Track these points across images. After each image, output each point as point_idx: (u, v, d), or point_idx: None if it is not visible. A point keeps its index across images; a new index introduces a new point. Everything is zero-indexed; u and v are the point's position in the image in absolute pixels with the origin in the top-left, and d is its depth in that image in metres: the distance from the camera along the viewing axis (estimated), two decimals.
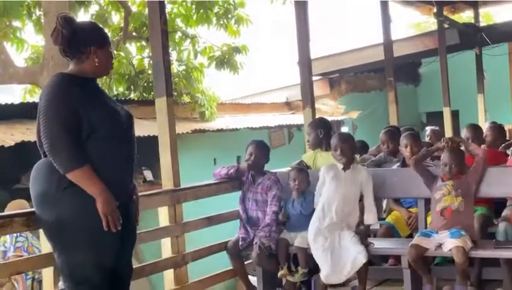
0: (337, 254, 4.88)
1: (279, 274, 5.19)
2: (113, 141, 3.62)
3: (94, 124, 3.54)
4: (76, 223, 3.51)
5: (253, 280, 5.64)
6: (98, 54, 3.68)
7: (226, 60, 11.75)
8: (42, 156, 3.65)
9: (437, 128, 8.30)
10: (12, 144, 8.04)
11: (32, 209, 3.71)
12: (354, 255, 4.77)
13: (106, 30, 3.90)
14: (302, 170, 5.45)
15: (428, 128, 8.05)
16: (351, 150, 5.17)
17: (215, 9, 11.71)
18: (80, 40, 3.64)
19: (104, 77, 10.35)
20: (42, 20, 9.00)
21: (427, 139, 7.55)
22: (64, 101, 3.51)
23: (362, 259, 4.76)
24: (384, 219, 5.82)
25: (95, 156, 3.53)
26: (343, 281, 4.96)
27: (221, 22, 11.79)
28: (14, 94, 11.94)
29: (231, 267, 5.67)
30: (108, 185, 3.55)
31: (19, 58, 10.43)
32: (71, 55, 3.68)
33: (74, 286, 3.59)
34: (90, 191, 3.48)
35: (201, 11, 11.53)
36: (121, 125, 3.71)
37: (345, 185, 5.08)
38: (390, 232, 5.54)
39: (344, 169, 5.12)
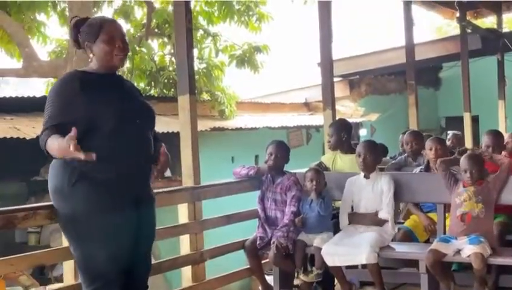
0: (353, 238, 5.01)
1: (295, 282, 5.23)
2: (117, 136, 3.58)
3: (93, 119, 3.55)
4: (88, 217, 3.55)
5: (269, 279, 5.65)
6: (93, 49, 3.71)
7: (246, 59, 11.76)
8: None
9: (459, 132, 8.27)
10: (34, 136, 8.11)
11: None
12: (364, 249, 4.82)
13: (127, 25, 3.92)
14: (319, 170, 5.47)
15: (450, 133, 8.02)
16: (375, 160, 5.29)
17: (237, 6, 11.73)
18: (82, 40, 3.74)
19: (126, 72, 10.45)
20: (67, 13, 9.06)
21: (448, 143, 7.52)
22: (58, 94, 3.60)
23: (370, 259, 4.80)
24: (401, 223, 5.82)
25: (99, 154, 3.45)
26: (339, 263, 5.02)
27: (243, 19, 11.81)
28: (33, 87, 12.02)
29: (248, 266, 5.69)
30: (115, 180, 3.57)
31: (43, 51, 10.53)
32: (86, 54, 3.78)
33: (89, 280, 3.62)
34: (57, 155, 3.49)
35: (224, 8, 11.56)
36: (128, 122, 3.65)
37: (367, 192, 5.23)
38: (409, 236, 5.53)
39: (365, 177, 5.25)
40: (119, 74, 3.99)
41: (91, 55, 3.72)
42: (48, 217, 3.81)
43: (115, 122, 3.59)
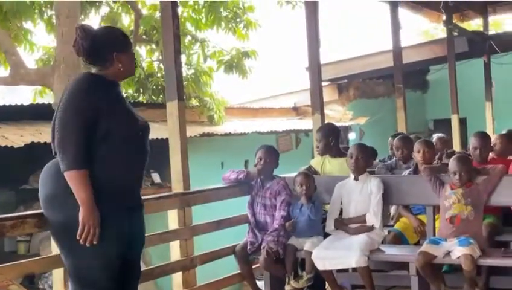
0: (343, 241, 5.02)
1: (286, 288, 5.23)
2: (127, 146, 3.64)
3: (111, 127, 3.57)
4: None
5: (260, 284, 5.65)
6: (121, 59, 3.74)
7: (235, 65, 11.77)
8: (54, 155, 3.69)
9: (444, 135, 8.28)
10: (22, 145, 8.07)
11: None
12: (354, 252, 4.81)
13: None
14: (309, 175, 5.49)
15: (434, 136, 8.03)
16: (366, 161, 5.37)
17: (224, 13, 11.73)
18: (101, 48, 3.70)
19: None
20: (54, 21, 9.04)
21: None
22: (86, 99, 3.56)
23: (360, 262, 4.80)
24: (391, 226, 5.84)
25: (106, 158, 3.56)
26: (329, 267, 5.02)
27: (230, 26, 11.82)
28: (21, 95, 11.97)
29: (238, 271, 5.68)
30: (116, 186, 3.58)
31: (30, 59, 10.50)
32: (93, 63, 3.74)
33: (81, 287, 3.60)
34: (78, 196, 3.48)
35: (211, 15, 11.55)
36: (137, 133, 3.74)
37: (356, 195, 5.26)
38: (399, 239, 5.55)
39: (355, 179, 5.28)
40: None
41: (119, 64, 3.72)
42: (37, 226, 3.79)
43: (128, 132, 3.64)
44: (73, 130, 3.49)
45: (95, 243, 3.49)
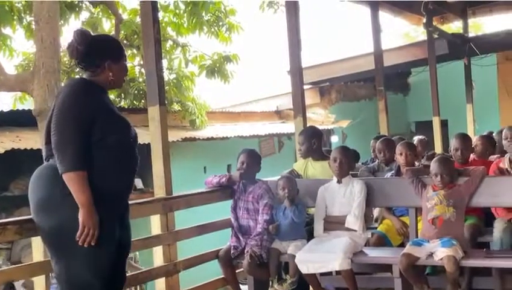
0: (326, 244, 5.02)
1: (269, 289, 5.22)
2: (119, 151, 3.65)
3: (105, 132, 3.58)
4: (77, 229, 3.50)
5: (244, 288, 5.64)
6: (113, 68, 3.75)
7: (216, 69, 11.76)
8: (44, 160, 3.67)
9: (424, 137, 8.34)
10: (2, 151, 8.02)
11: (25, 217, 3.70)
12: (337, 255, 4.82)
13: None
14: (291, 178, 5.49)
15: (415, 138, 8.09)
16: (349, 164, 5.38)
17: (206, 17, 11.72)
18: (95, 54, 3.71)
19: None
20: (33, 26, 8.98)
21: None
22: (83, 102, 3.56)
23: (343, 265, 4.81)
24: (375, 228, 5.85)
25: (99, 164, 3.56)
26: (314, 270, 5.01)
27: (212, 30, 11.81)
28: (0, 102, 11.89)
29: (222, 276, 5.66)
30: (107, 193, 3.57)
31: (9, 65, 10.41)
32: (85, 68, 3.75)
33: None
34: (78, 197, 3.47)
35: (193, 19, 11.53)
36: (129, 138, 3.75)
37: (340, 197, 5.28)
38: (382, 241, 5.56)
39: (338, 182, 5.30)
40: None
41: (110, 73, 3.73)
42: (18, 233, 3.76)
43: (121, 138, 3.65)
44: (72, 131, 3.49)
45: (93, 244, 3.48)
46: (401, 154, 5.63)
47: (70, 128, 3.49)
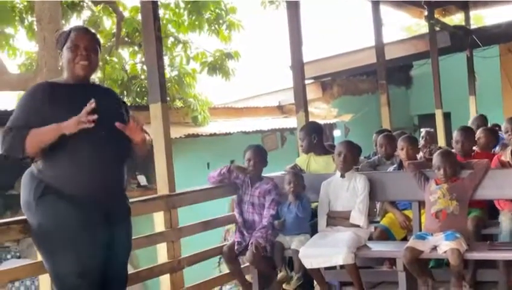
0: (329, 239, 5.03)
1: (278, 276, 5.20)
2: (79, 149, 3.55)
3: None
4: (53, 231, 3.52)
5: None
6: (62, 56, 3.75)
7: (218, 66, 11.77)
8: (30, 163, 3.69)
9: (432, 130, 8.36)
10: None
11: None
12: (341, 250, 4.83)
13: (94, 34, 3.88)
14: (298, 173, 5.50)
15: (423, 130, 8.11)
16: (354, 159, 5.40)
17: (207, 15, 11.71)
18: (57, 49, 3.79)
19: (97, 82, 10.38)
20: (35, 26, 8.99)
21: (421, 141, 7.59)
22: (22, 106, 3.61)
23: (347, 260, 4.82)
24: (378, 222, 5.85)
25: (58, 164, 3.54)
26: (318, 265, 5.03)
27: (213, 28, 11.80)
28: (3, 101, 11.91)
29: (225, 272, 5.67)
30: (77, 194, 3.54)
31: (12, 64, 10.43)
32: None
33: None
34: (51, 137, 3.48)
35: (193, 17, 11.54)
36: (93, 135, 3.54)
37: (343, 191, 5.28)
38: (385, 235, 5.56)
39: (342, 176, 5.29)
40: (97, 83, 3.96)
41: (60, 63, 3.75)
42: (22, 232, 3.77)
43: (77, 135, 3.51)
44: (6, 132, 3.56)
45: (91, 118, 3.43)
46: (402, 149, 5.63)
47: (7, 128, 3.55)
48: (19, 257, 9.22)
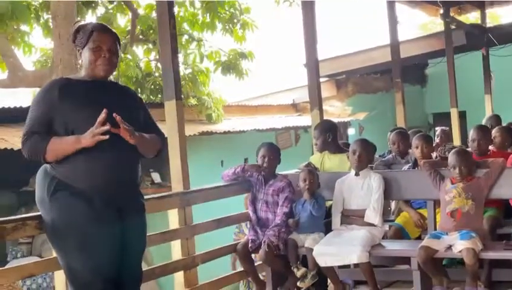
0: (344, 237, 5.02)
1: (298, 274, 5.18)
2: (94, 146, 3.53)
3: (71, 125, 3.56)
4: (66, 228, 3.53)
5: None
6: (82, 56, 3.73)
7: (232, 66, 11.77)
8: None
9: (447, 128, 8.33)
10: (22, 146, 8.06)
11: None
12: (355, 248, 4.82)
13: None
14: (313, 171, 5.48)
15: (438, 129, 8.08)
16: (368, 158, 5.37)
17: (221, 15, 11.71)
18: (75, 46, 3.77)
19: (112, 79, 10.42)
20: (50, 24, 9.04)
21: (437, 139, 7.56)
22: (37, 102, 3.61)
23: (362, 258, 4.81)
24: (392, 221, 5.84)
25: (72, 160, 3.55)
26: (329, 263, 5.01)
27: (227, 27, 11.80)
28: (19, 98, 11.97)
29: (238, 270, 5.67)
30: (89, 190, 3.55)
31: (28, 61, 10.48)
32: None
33: (75, 289, 3.60)
34: (71, 149, 3.51)
35: (207, 16, 11.55)
36: (108, 132, 3.53)
37: (358, 190, 5.27)
38: (400, 233, 5.54)
39: (356, 174, 5.29)
40: (114, 81, 3.96)
41: (80, 61, 3.73)
42: (37, 228, 3.79)
43: (85, 131, 3.53)
44: (25, 135, 3.60)
45: (106, 127, 3.46)
46: (417, 147, 5.60)
47: (25, 131, 3.58)
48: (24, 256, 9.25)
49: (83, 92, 3.64)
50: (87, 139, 3.49)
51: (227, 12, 11.70)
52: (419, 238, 5.44)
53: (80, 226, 3.52)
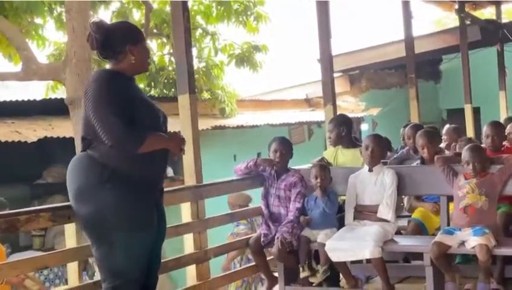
0: (356, 232, 5.01)
1: (301, 275, 5.20)
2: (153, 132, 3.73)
3: (135, 118, 3.62)
4: (117, 215, 3.58)
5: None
6: (134, 52, 3.77)
7: (246, 59, 11.75)
8: (81, 150, 3.73)
9: (454, 126, 8.23)
10: (35, 139, 8.11)
11: (58, 205, 3.75)
12: (367, 243, 4.81)
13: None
14: (325, 166, 5.44)
15: (445, 127, 8.00)
16: (381, 153, 5.34)
17: (235, 7, 11.70)
18: (114, 41, 3.74)
19: None
20: (63, 17, 9.06)
21: (445, 138, 7.48)
22: (116, 92, 3.62)
23: (374, 253, 4.79)
24: (407, 216, 5.80)
25: None
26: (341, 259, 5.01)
27: (241, 19, 11.78)
28: (33, 91, 12.02)
29: (251, 264, 5.67)
30: (142, 180, 3.66)
31: (41, 54, 10.51)
32: (108, 57, 3.80)
33: (111, 277, 3.66)
34: (160, 147, 3.72)
35: (221, 8, 11.53)
36: (160, 124, 3.81)
37: (371, 185, 5.24)
38: (419, 228, 5.48)
39: (369, 170, 5.26)
40: None
41: (132, 57, 3.75)
42: (51, 220, 3.82)
43: (153, 124, 3.73)
44: (117, 125, 3.54)
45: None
46: (422, 147, 5.53)
47: (113, 122, 3.54)
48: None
49: (135, 87, 3.85)
50: (176, 149, 3.83)
51: (241, 5, 11.67)
52: (439, 229, 5.40)
53: (136, 215, 3.62)
